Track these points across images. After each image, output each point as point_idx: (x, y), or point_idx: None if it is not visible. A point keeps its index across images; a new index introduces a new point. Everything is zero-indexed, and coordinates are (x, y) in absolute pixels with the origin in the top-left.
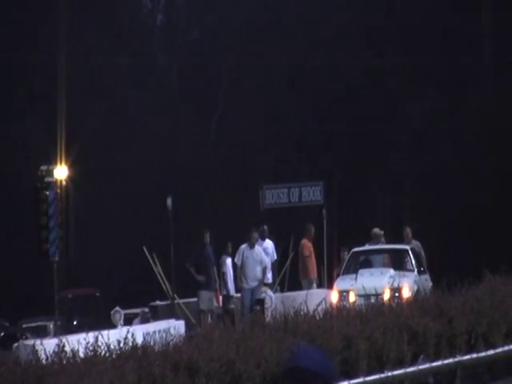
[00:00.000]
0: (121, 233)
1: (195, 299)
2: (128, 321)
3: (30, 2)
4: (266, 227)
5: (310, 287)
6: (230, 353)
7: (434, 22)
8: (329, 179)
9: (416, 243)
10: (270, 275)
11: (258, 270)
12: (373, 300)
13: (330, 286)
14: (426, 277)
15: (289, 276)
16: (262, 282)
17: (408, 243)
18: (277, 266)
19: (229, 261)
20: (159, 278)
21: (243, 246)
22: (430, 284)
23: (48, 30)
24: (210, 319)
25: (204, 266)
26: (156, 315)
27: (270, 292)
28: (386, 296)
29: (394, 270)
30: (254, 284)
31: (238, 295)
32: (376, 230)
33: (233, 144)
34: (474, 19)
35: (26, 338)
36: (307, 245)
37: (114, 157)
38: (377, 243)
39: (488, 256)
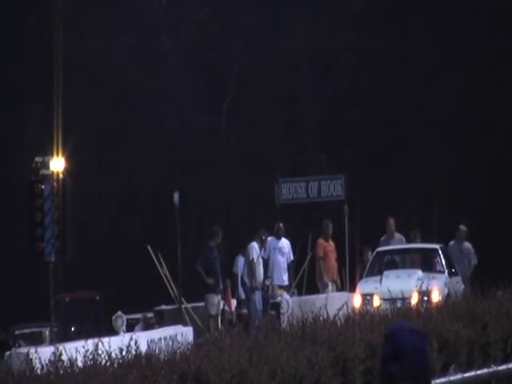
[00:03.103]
0: (123, 231)
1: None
2: (131, 327)
3: None
4: (281, 225)
5: (324, 291)
6: (242, 362)
7: (465, 2)
8: (350, 172)
9: (400, 237)
10: (285, 277)
11: (262, 272)
12: (399, 304)
13: (353, 289)
14: (458, 279)
15: (307, 278)
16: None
17: (391, 237)
18: (293, 267)
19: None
20: (165, 280)
21: (255, 244)
22: (462, 287)
23: (42, 10)
24: (220, 325)
25: (213, 267)
26: (161, 321)
27: (286, 295)
28: (414, 300)
29: (423, 271)
30: (260, 285)
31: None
32: (462, 227)
33: (245, 134)
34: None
35: (19, 346)
36: (322, 245)
37: (115, 148)
38: (461, 242)
39: None
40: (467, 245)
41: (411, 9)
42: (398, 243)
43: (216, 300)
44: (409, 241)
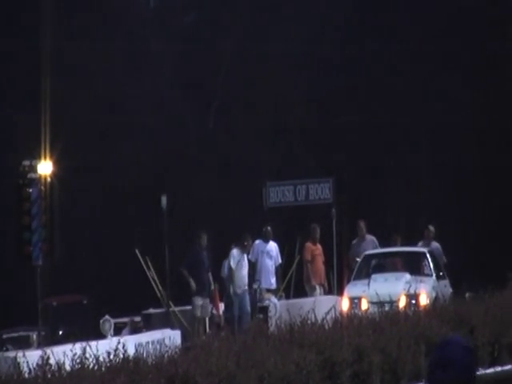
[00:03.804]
0: (111, 234)
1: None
2: (118, 330)
3: None
4: (269, 228)
5: (312, 294)
6: (230, 366)
7: (456, 4)
8: (338, 175)
9: (371, 238)
10: (273, 280)
11: (246, 276)
12: (387, 308)
13: (340, 293)
14: (446, 282)
15: (295, 281)
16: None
17: (362, 239)
18: (281, 271)
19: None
20: (153, 283)
21: (234, 250)
22: (450, 290)
23: (31, 13)
24: (208, 328)
25: (198, 270)
26: (149, 324)
27: (274, 299)
28: (402, 303)
29: (411, 274)
30: (239, 291)
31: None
32: (430, 227)
33: (233, 137)
34: (501, 2)
35: (7, 350)
36: (309, 248)
37: (103, 151)
38: (429, 242)
39: None
40: (435, 244)
41: (402, 11)
42: (370, 244)
43: (200, 302)
44: (389, 245)
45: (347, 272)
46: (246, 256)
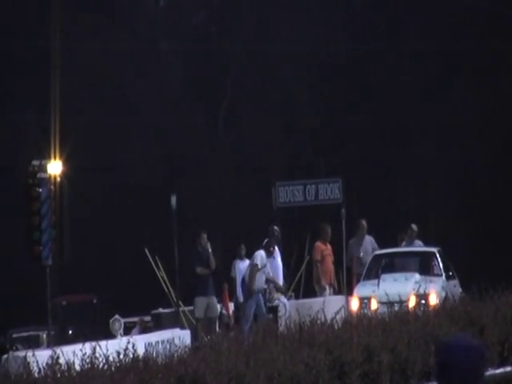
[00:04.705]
0: (120, 234)
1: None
2: (128, 330)
3: None
4: (277, 228)
5: (321, 294)
6: (239, 365)
7: (460, 4)
8: (348, 175)
9: (370, 239)
10: (282, 279)
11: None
12: (396, 308)
13: (350, 293)
14: (455, 282)
15: (304, 281)
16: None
17: (361, 238)
18: (287, 271)
19: (241, 265)
20: (162, 283)
21: (262, 252)
22: (460, 290)
23: (40, 13)
24: (217, 329)
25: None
26: (159, 324)
27: (283, 299)
28: (411, 303)
29: (420, 274)
30: (257, 290)
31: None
32: (413, 226)
33: (242, 137)
34: (504, 2)
35: (17, 349)
36: (319, 248)
37: (113, 150)
38: (413, 241)
39: None
40: (418, 243)
41: (409, 11)
42: (370, 245)
43: (204, 303)
44: (395, 244)
45: (356, 272)
46: (268, 262)
